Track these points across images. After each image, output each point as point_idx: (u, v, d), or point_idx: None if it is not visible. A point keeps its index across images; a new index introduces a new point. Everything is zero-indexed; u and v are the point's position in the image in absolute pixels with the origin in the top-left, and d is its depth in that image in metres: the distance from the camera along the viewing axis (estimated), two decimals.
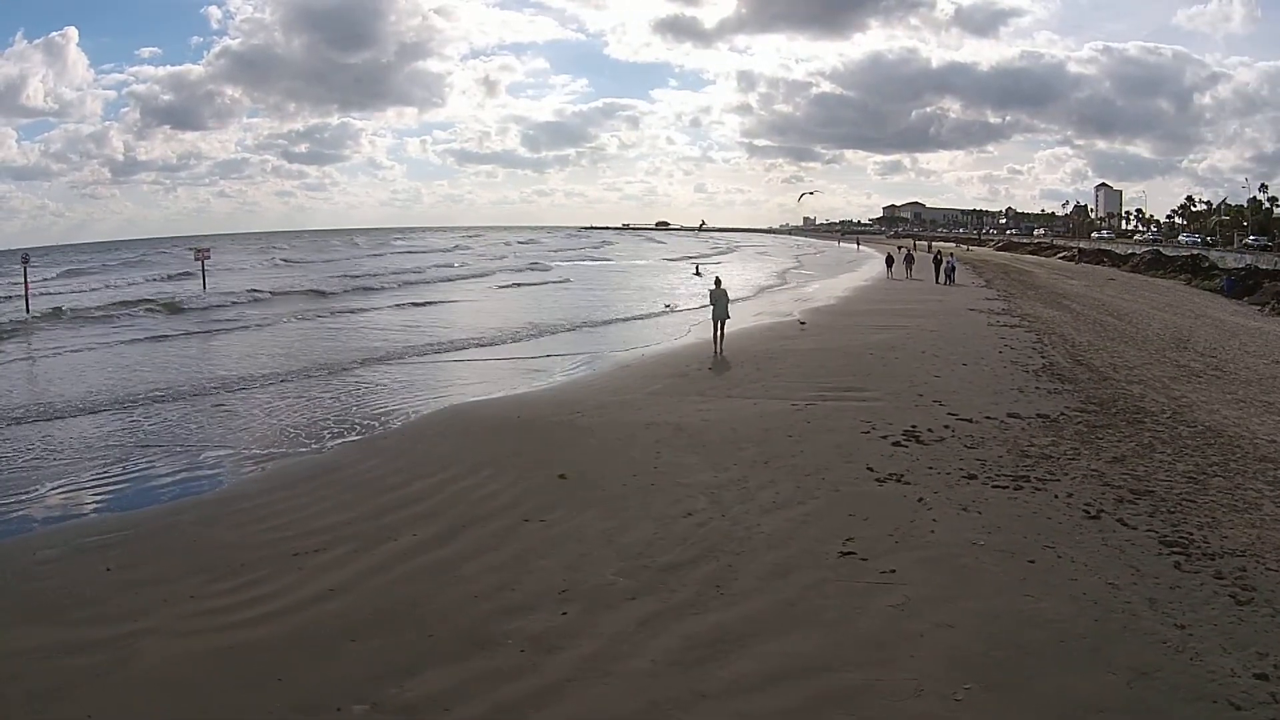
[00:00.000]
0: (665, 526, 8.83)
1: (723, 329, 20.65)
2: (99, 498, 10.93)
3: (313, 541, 8.84)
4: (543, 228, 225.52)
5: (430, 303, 37.42)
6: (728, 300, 20.82)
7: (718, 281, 21.83)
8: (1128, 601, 6.82)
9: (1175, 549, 7.84)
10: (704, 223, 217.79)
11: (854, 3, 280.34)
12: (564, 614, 6.94)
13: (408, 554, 8.41)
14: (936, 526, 8.55)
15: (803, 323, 25.78)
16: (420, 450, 12.32)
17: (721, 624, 6.67)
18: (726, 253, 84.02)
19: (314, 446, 13.00)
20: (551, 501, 9.75)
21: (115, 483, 11.49)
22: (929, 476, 10.20)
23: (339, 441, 13.24)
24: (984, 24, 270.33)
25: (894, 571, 7.50)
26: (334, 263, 76.92)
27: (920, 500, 9.34)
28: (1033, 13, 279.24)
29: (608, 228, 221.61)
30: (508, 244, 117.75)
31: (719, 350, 20.27)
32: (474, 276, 56.35)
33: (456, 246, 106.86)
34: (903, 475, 10.24)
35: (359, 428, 14.17)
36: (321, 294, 42.99)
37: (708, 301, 21.43)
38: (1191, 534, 8.24)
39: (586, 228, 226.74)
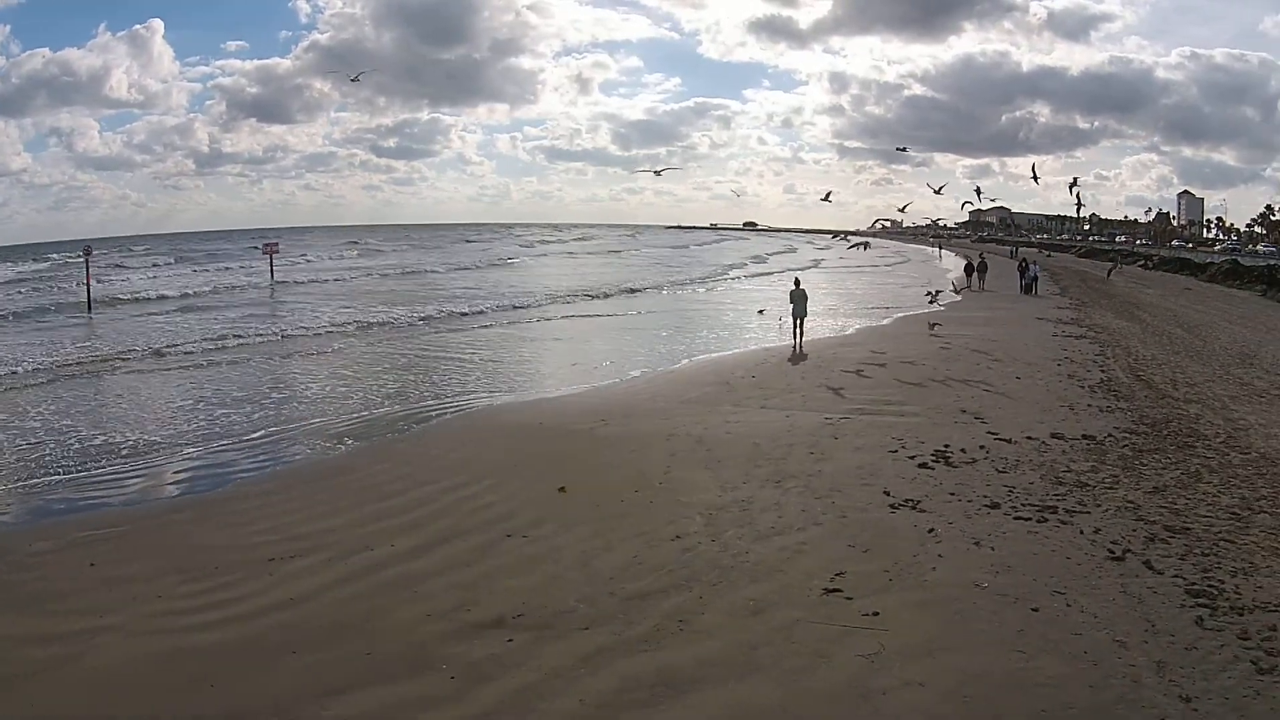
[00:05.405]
0: (649, 549, 8.34)
1: (802, 326, 22.37)
2: (107, 493, 11.05)
3: (292, 547, 8.76)
4: (637, 226, 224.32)
5: None
6: (806, 300, 22.42)
7: (797, 283, 23.07)
8: (1132, 665, 5.96)
9: (1201, 600, 6.94)
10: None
11: (949, 6, 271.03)
12: (509, 640, 6.57)
13: (379, 565, 8.20)
14: (940, 563, 7.80)
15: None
16: (432, 456, 12.12)
17: (670, 665, 6.15)
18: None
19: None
20: (542, 516, 9.39)
21: (126, 479, 11.62)
22: (948, 504, 9.42)
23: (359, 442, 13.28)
24: (1075, 29, 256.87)
25: (877, 614, 6.80)
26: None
27: (930, 531, 8.60)
28: (1122, 18, 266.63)
29: (696, 227, 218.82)
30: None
31: (799, 346, 21.68)
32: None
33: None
34: (919, 502, 9.49)
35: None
36: None
37: (789, 301, 22.89)
38: (1223, 582, 7.29)
39: (674, 226, 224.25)
